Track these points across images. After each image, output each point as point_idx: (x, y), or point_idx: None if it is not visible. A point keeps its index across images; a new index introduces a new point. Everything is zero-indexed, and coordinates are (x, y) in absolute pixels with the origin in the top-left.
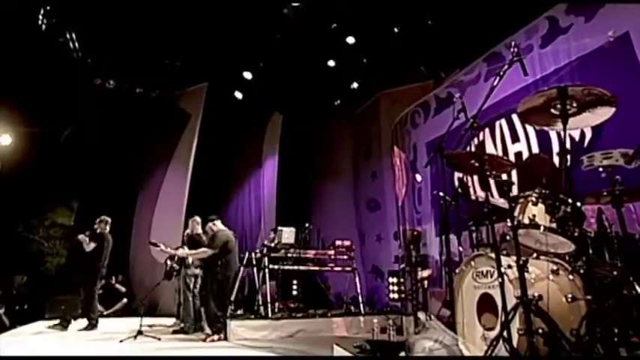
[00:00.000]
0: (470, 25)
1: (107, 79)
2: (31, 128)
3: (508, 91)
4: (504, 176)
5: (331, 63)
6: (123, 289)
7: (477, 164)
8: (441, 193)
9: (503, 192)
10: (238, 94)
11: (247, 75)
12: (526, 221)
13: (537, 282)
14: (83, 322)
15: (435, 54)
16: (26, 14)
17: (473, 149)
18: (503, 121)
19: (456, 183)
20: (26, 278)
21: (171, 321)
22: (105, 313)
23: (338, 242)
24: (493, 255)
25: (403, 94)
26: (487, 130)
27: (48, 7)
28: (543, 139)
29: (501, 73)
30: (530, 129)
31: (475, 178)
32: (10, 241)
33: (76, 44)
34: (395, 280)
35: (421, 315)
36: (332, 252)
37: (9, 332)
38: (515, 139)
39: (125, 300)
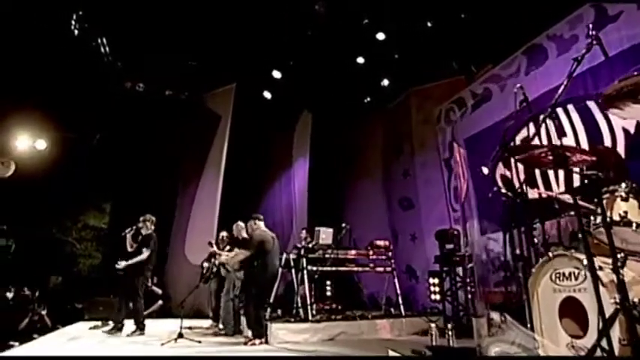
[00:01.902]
0: (504, 17)
1: (137, 82)
2: (64, 133)
3: (552, 85)
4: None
5: (360, 60)
6: (159, 291)
7: (553, 157)
8: (504, 190)
9: (584, 188)
10: (267, 94)
11: (276, 74)
12: (616, 218)
13: (634, 285)
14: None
15: (466, 49)
16: (59, 21)
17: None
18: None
19: (499, 180)
20: (61, 279)
21: (207, 323)
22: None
23: (376, 242)
24: (578, 255)
25: (434, 90)
26: (531, 125)
27: (80, 13)
28: (593, 133)
29: (579, 59)
30: (578, 123)
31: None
32: (45, 243)
33: (107, 49)
34: (436, 280)
35: (495, 315)
36: (370, 252)
37: (53, 334)
38: (561, 133)
39: (161, 302)
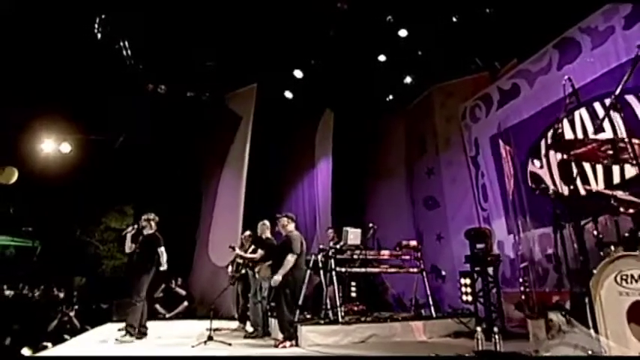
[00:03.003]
0: (530, 11)
1: (158, 85)
2: (88, 136)
3: (587, 79)
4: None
5: (382, 58)
6: (183, 293)
7: (613, 152)
8: (552, 188)
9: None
10: (289, 94)
11: (298, 73)
12: None
13: None
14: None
15: (490, 44)
16: (83, 26)
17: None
18: (583, 110)
19: (528, 178)
20: (85, 279)
21: (233, 324)
22: (167, 315)
23: (405, 242)
24: None
25: (457, 87)
26: (566, 121)
27: (103, 16)
28: (635, 129)
29: None
30: (618, 118)
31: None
32: (69, 245)
33: (129, 52)
34: (467, 281)
35: (554, 316)
36: (399, 252)
37: (83, 335)
38: (598, 129)
39: (186, 303)
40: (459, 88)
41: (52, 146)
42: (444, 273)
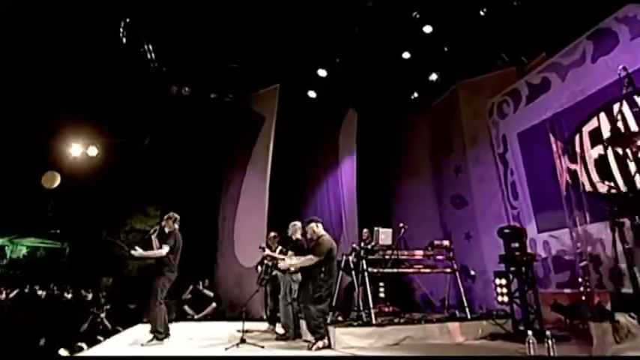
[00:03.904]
0: (560, 3)
1: (182, 87)
2: (114, 139)
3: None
4: None
5: (406, 55)
6: (211, 294)
7: None
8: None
9: None
10: (312, 93)
11: (322, 72)
12: None
13: None
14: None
15: (517, 38)
16: (109, 30)
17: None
18: (624, 103)
19: (565, 174)
20: (112, 280)
21: (262, 325)
22: (196, 317)
23: (436, 242)
24: None
25: (482, 83)
26: (603, 115)
27: (127, 20)
28: None
29: None
30: None
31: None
32: (96, 246)
33: (153, 54)
34: (503, 281)
35: (621, 318)
36: (432, 252)
37: (116, 336)
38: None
39: (214, 304)
40: (485, 84)
41: (79, 150)
42: (473, 273)
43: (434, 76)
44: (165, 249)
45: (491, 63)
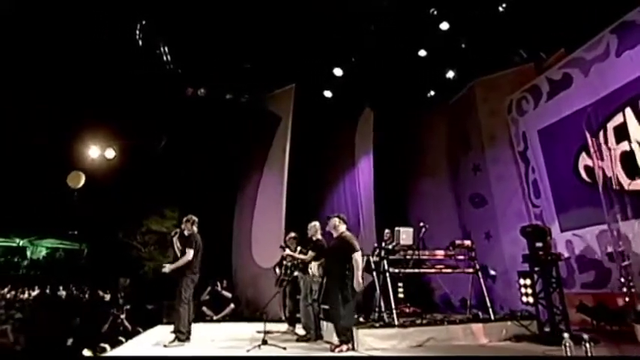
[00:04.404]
0: None
1: (198, 88)
2: (132, 141)
3: None
4: None
5: (422, 53)
6: (229, 295)
7: None
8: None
9: None
10: (328, 93)
11: (337, 72)
12: None
13: None
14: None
15: (535, 34)
16: (126, 33)
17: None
18: None
19: (582, 172)
20: (129, 280)
21: (281, 326)
22: (214, 317)
23: (458, 241)
24: None
25: (500, 80)
26: (629, 110)
27: (143, 22)
28: None
29: None
30: None
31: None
32: (113, 247)
33: (168, 57)
34: (528, 281)
35: None
36: (453, 252)
37: (138, 337)
38: None
39: (232, 305)
40: (503, 81)
41: (97, 152)
42: (494, 273)
43: (451, 74)
44: (190, 253)
45: (508, 59)
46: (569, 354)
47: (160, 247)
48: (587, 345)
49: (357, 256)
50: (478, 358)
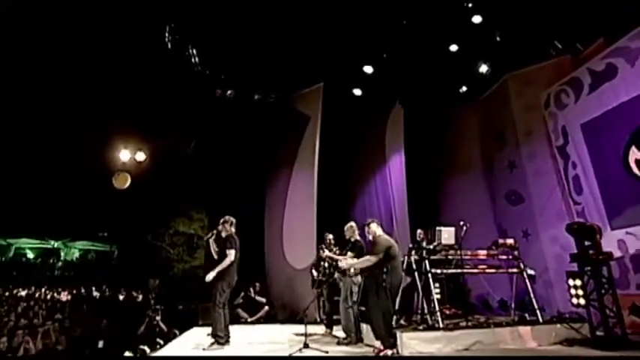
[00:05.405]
0: None
1: (226, 89)
2: (160, 144)
3: None
4: None
5: (454, 47)
6: (263, 300)
7: None
8: None
9: None
10: (357, 91)
11: (368, 69)
12: None
13: None
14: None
15: (571, 25)
16: (155, 35)
17: None
18: None
19: (633, 166)
20: (158, 281)
21: (317, 328)
22: (249, 319)
23: (500, 240)
24: None
25: (535, 73)
26: None
27: (172, 25)
28: None
29: None
30: None
31: None
32: (142, 249)
33: (197, 58)
34: (578, 282)
35: None
36: (496, 252)
37: (176, 340)
38: None
39: (267, 308)
40: (538, 75)
41: (128, 155)
42: (532, 272)
43: (484, 68)
44: (232, 253)
45: (543, 52)
46: None
47: (188, 249)
48: None
49: (368, 257)
50: None
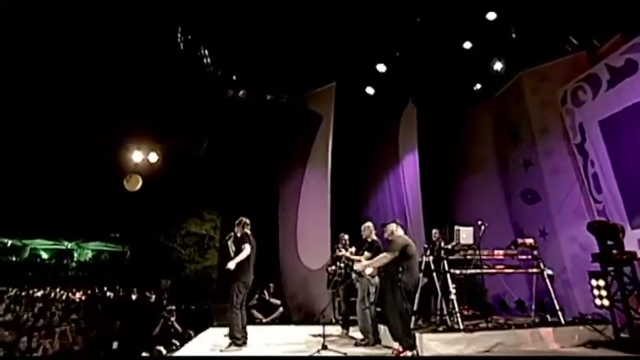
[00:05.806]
0: None
1: (238, 90)
2: (173, 144)
3: None
4: None
5: (467, 45)
6: (278, 302)
7: None
8: None
9: None
10: (370, 90)
11: (381, 67)
12: None
13: None
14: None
15: (588, 20)
16: (168, 36)
17: None
18: None
19: None
20: (170, 282)
21: (333, 329)
22: (264, 320)
23: (519, 240)
24: None
25: (550, 70)
26: None
27: (184, 25)
28: None
29: None
30: None
31: None
32: (154, 249)
33: (209, 59)
34: (601, 282)
35: None
36: (515, 252)
37: (192, 342)
38: None
39: (281, 309)
40: (553, 72)
41: (140, 156)
42: (551, 272)
43: (498, 66)
44: (247, 247)
45: (558, 48)
46: None
47: (199, 249)
48: None
49: (384, 254)
50: None
